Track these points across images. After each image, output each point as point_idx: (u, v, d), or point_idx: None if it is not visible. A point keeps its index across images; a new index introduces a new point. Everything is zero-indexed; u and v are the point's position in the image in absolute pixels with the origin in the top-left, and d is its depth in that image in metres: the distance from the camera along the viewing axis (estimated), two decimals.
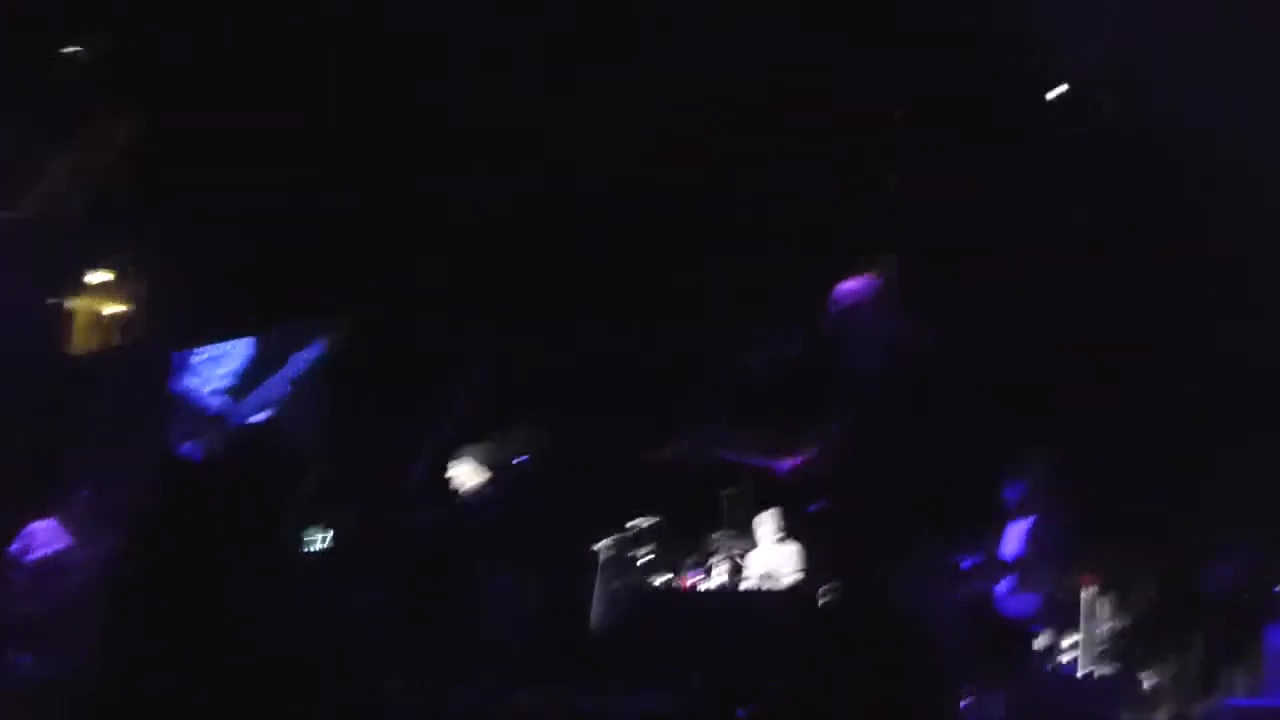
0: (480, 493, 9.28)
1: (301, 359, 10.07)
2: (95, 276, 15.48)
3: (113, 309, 15.85)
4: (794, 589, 9.46)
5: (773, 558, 10.41)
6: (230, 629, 4.26)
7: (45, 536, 11.08)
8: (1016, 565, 8.67)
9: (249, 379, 9.96)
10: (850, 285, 6.48)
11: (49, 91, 13.83)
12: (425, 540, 9.31)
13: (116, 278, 15.46)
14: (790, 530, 10.40)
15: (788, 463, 7.19)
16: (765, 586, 10.13)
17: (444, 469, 9.37)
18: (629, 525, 10.67)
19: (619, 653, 8.96)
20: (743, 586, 10.33)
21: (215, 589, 4.37)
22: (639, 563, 10.63)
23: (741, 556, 10.54)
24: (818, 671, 5.76)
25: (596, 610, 9.90)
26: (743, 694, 6.63)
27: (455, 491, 9.29)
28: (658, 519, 10.69)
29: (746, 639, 8.01)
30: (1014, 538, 8.82)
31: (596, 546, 10.65)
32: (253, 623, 4.36)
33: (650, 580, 10.54)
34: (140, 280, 15.18)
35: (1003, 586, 8.70)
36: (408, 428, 9.95)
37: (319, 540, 9.25)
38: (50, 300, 15.35)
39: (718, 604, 9.98)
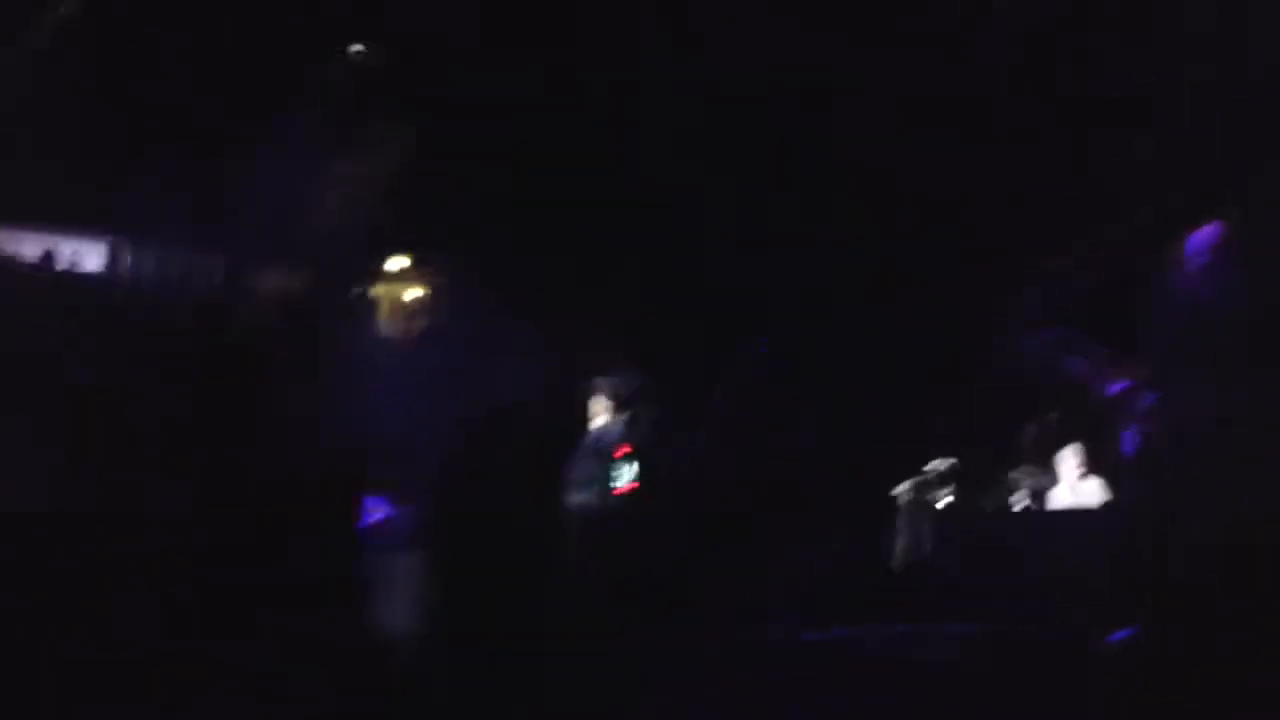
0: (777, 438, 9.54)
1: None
2: (394, 264, 16.45)
3: (412, 296, 16.78)
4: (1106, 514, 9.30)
5: (1076, 494, 10.30)
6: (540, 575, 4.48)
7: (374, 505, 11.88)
8: None
9: None
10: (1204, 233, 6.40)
11: (341, 94, 14.71)
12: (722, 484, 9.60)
13: (413, 266, 16.39)
14: (1092, 466, 10.26)
15: (1118, 385, 7.08)
16: None
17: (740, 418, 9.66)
18: (927, 468, 10.73)
19: (929, 585, 9.02)
20: None
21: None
22: (938, 504, 10.68)
23: (1043, 494, 10.45)
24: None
25: (900, 550, 10.02)
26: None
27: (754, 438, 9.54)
28: (954, 460, 10.72)
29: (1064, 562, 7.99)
30: None
31: (896, 490, 10.77)
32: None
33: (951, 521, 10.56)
34: (436, 270, 16.04)
35: None
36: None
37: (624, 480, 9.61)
38: (356, 289, 16.33)
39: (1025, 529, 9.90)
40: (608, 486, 9.54)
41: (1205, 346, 6.09)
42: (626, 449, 9.65)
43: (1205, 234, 6.41)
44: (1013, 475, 10.52)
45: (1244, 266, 6.25)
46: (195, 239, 14.46)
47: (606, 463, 9.66)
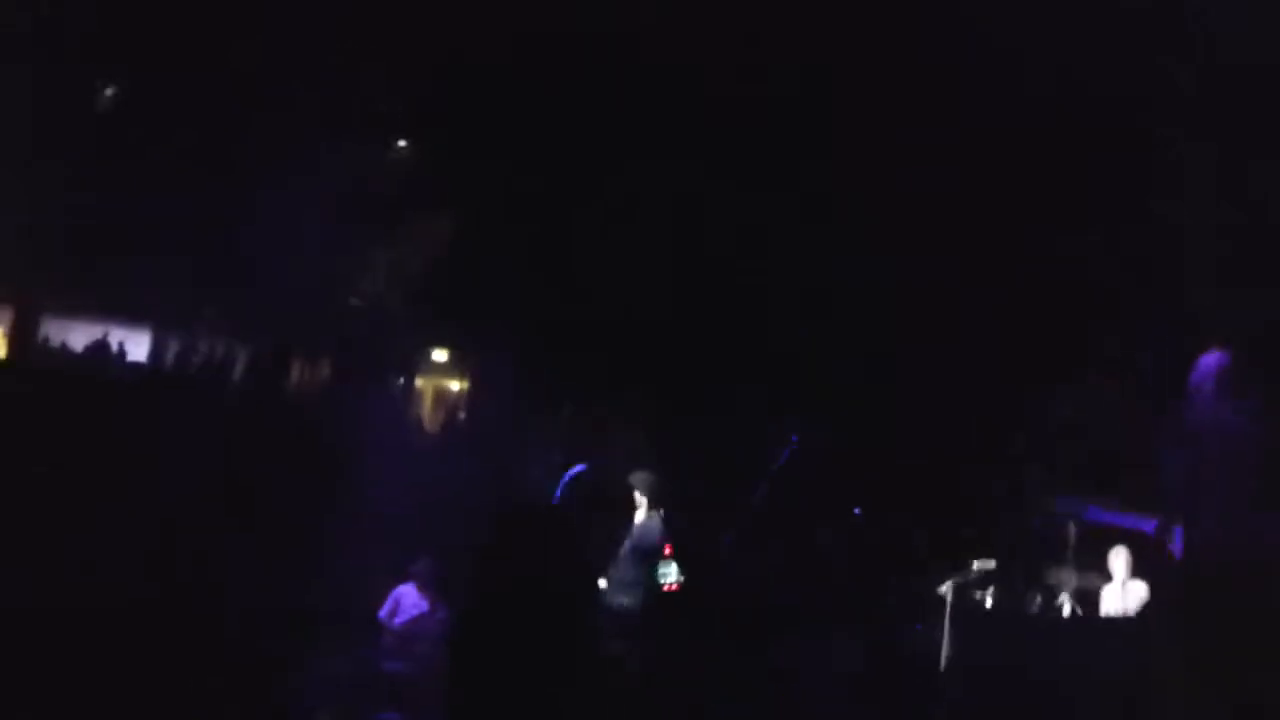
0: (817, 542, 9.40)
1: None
2: (436, 356, 16.55)
3: (452, 386, 16.84)
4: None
5: (1125, 594, 10.06)
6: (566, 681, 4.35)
7: (410, 600, 11.78)
8: None
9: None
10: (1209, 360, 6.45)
11: (376, 190, 14.92)
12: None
13: (452, 358, 16.46)
14: (1140, 569, 10.04)
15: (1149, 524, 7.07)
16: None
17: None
18: (972, 568, 10.53)
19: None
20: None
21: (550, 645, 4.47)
22: (982, 603, 10.47)
23: (1091, 594, 10.22)
24: None
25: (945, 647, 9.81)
26: None
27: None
28: (996, 561, 10.52)
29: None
30: None
31: (940, 589, 10.58)
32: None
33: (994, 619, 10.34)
34: (473, 360, 16.12)
35: None
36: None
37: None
38: (400, 379, 16.45)
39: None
40: (655, 585, 9.38)
41: (1214, 475, 6.12)
42: (670, 549, 9.52)
43: (1209, 363, 6.42)
44: (1057, 577, 10.29)
45: (1248, 393, 6.27)
46: (236, 327, 14.63)
47: (650, 562, 9.51)
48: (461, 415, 16.23)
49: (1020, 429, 11.08)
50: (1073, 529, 9.86)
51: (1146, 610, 8.85)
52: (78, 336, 16.62)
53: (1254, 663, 5.94)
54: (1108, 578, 10.24)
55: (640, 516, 9.74)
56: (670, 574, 9.35)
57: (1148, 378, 9.82)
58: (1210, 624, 6.04)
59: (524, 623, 4.56)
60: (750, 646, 8.95)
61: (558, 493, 9.36)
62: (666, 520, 9.66)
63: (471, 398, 16.04)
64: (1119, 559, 10.15)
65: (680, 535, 9.42)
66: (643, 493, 9.80)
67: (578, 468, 9.43)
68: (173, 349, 16.53)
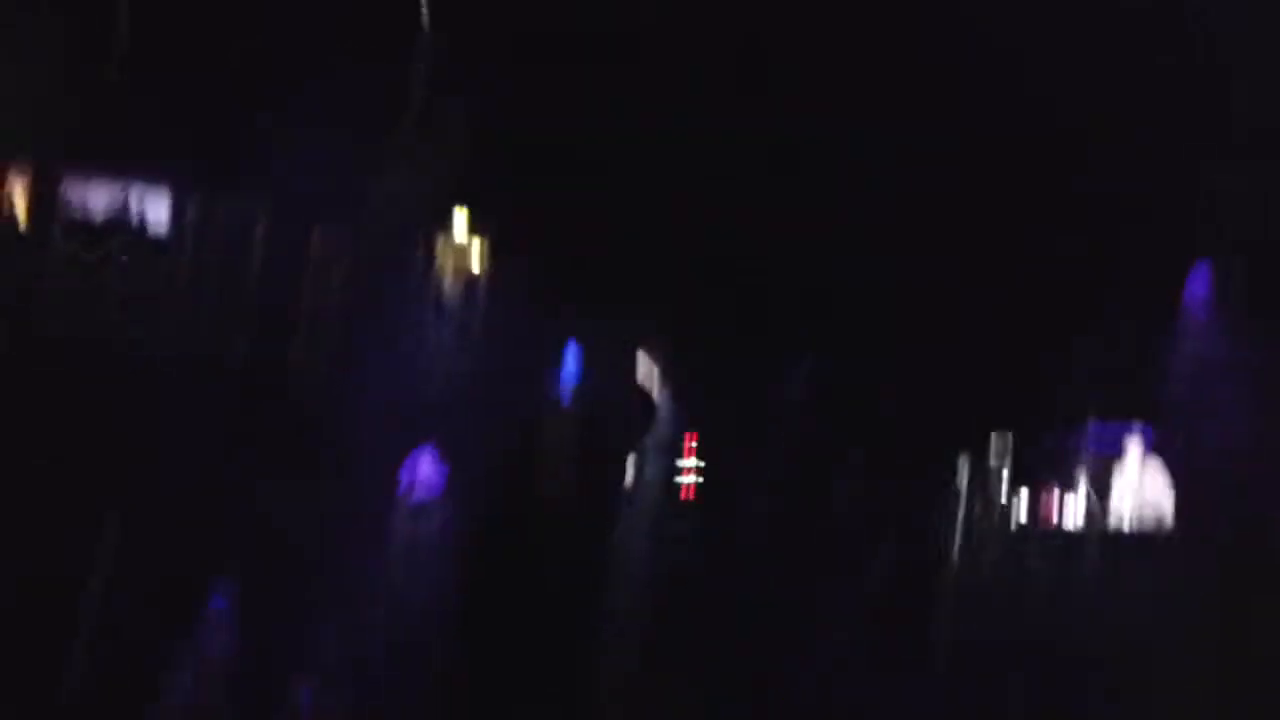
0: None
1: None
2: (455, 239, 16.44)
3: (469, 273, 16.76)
4: None
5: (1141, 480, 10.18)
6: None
7: (427, 467, 11.91)
8: None
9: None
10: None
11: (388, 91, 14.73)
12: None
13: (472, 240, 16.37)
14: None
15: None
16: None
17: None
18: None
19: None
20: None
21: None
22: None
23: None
24: None
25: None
26: None
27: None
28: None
29: None
30: None
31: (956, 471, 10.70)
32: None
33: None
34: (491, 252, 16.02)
35: None
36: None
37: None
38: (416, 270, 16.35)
39: None
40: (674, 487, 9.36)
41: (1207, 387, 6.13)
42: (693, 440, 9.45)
43: (1198, 278, 6.41)
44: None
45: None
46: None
47: (668, 458, 9.43)
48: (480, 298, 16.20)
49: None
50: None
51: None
52: (98, 197, 16.51)
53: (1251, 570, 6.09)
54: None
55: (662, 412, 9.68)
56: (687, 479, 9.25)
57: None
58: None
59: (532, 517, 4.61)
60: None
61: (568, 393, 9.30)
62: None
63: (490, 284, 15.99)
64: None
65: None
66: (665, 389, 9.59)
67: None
68: (191, 215, 16.43)
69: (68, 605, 8.43)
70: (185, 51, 13.17)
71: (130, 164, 14.55)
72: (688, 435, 9.54)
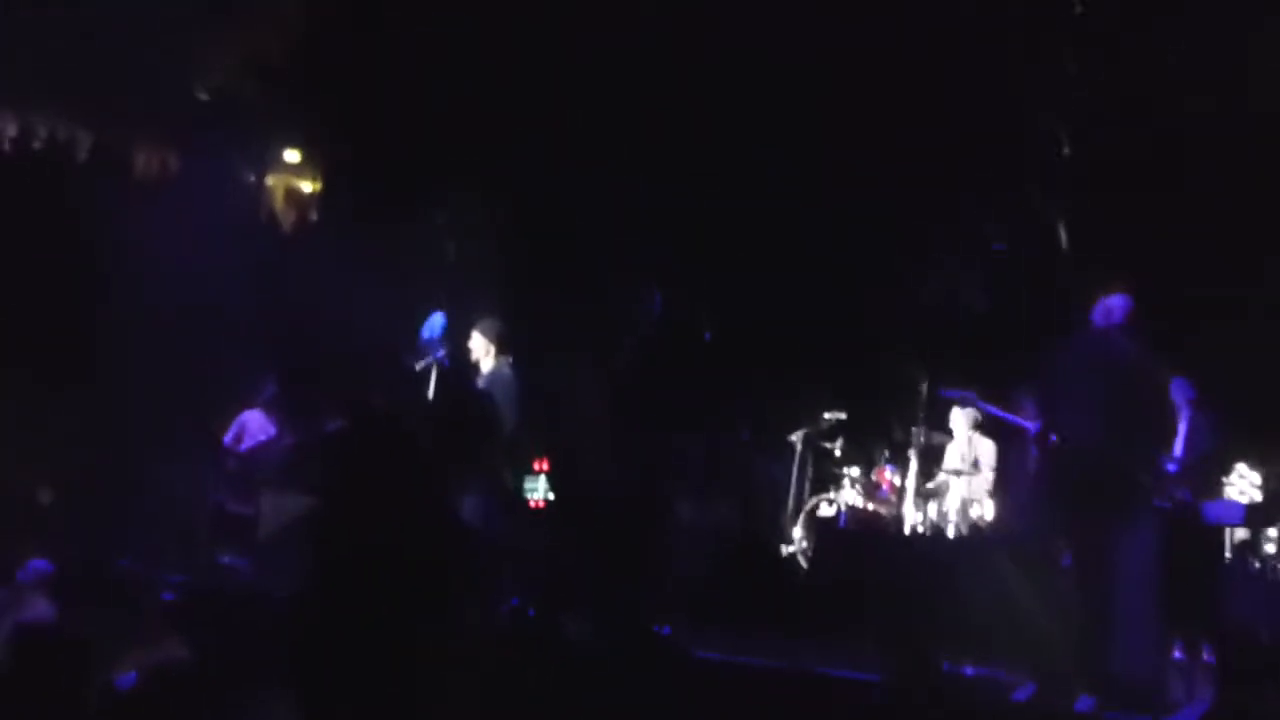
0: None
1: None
2: (288, 155, 15.82)
3: (306, 186, 16.18)
4: None
5: (972, 448, 10.28)
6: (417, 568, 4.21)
7: (255, 426, 11.54)
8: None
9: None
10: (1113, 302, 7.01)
11: None
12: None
13: (305, 158, 15.76)
14: (986, 425, 10.25)
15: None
16: (963, 476, 10.08)
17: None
18: (823, 417, 10.64)
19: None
20: (939, 476, 10.27)
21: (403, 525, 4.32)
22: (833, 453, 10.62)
23: (939, 449, 10.41)
24: None
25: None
26: None
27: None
28: (846, 414, 10.65)
29: None
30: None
31: (791, 437, 10.69)
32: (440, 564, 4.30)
33: (843, 470, 10.52)
34: (327, 161, 15.45)
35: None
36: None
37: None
38: (252, 177, 15.74)
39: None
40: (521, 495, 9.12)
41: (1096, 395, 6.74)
42: (543, 464, 9.20)
43: (1114, 303, 6.95)
44: (910, 430, 10.41)
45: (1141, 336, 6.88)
46: None
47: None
48: (314, 218, 15.68)
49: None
50: (923, 391, 9.96)
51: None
52: None
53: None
54: (949, 435, 10.48)
55: (487, 366, 9.05)
56: (537, 490, 9.03)
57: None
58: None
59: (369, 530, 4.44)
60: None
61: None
62: (515, 369, 9.19)
63: (324, 203, 15.44)
64: (960, 418, 10.38)
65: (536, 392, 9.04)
66: (489, 339, 9.27)
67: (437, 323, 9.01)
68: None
69: None
70: None
71: None
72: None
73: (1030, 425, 7.94)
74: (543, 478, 9.23)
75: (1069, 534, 6.95)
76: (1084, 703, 7.32)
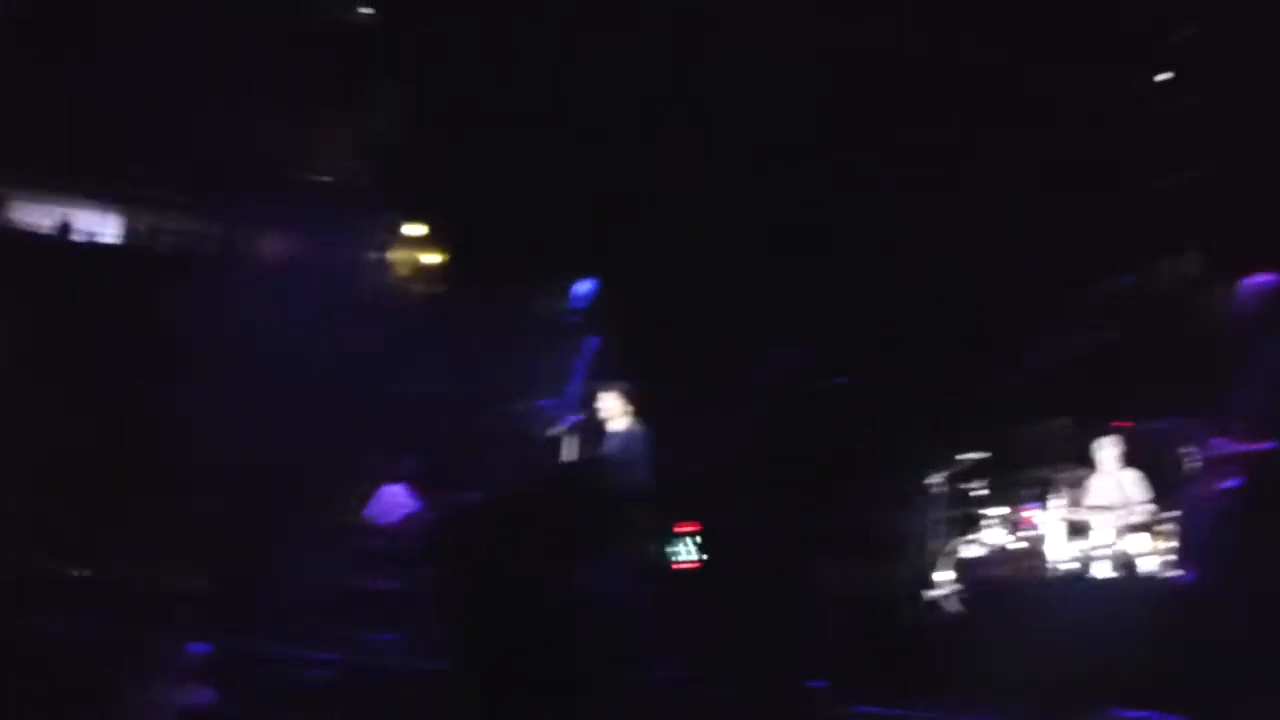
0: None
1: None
2: (406, 230, 16.12)
3: (425, 261, 16.44)
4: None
5: (1119, 483, 10.02)
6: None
7: (396, 501, 11.68)
8: None
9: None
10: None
11: (334, 62, 14.35)
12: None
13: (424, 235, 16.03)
14: (1131, 456, 9.99)
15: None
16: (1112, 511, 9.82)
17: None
18: (959, 459, 10.47)
19: None
20: (1081, 515, 10.01)
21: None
22: (972, 495, 10.43)
23: (1082, 483, 10.16)
24: None
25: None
26: None
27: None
28: (987, 454, 10.47)
29: None
30: None
31: (931, 480, 10.53)
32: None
33: (985, 512, 10.31)
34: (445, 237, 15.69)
35: None
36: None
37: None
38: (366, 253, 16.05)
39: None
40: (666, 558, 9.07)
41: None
42: (691, 527, 9.16)
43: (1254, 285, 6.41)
44: (1048, 470, 10.19)
45: None
46: None
47: (635, 470, 9.03)
48: (440, 288, 15.88)
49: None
50: (1065, 425, 9.77)
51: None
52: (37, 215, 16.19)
53: None
54: (1092, 468, 10.23)
55: (620, 427, 9.10)
56: (684, 553, 8.94)
57: None
58: None
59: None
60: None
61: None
62: (650, 428, 9.18)
63: (450, 272, 15.66)
64: (1107, 450, 10.11)
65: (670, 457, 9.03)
66: (622, 399, 9.10)
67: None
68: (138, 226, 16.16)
69: None
70: None
71: None
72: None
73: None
74: (688, 539, 9.14)
75: None
76: None
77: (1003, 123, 11.53)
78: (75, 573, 10.30)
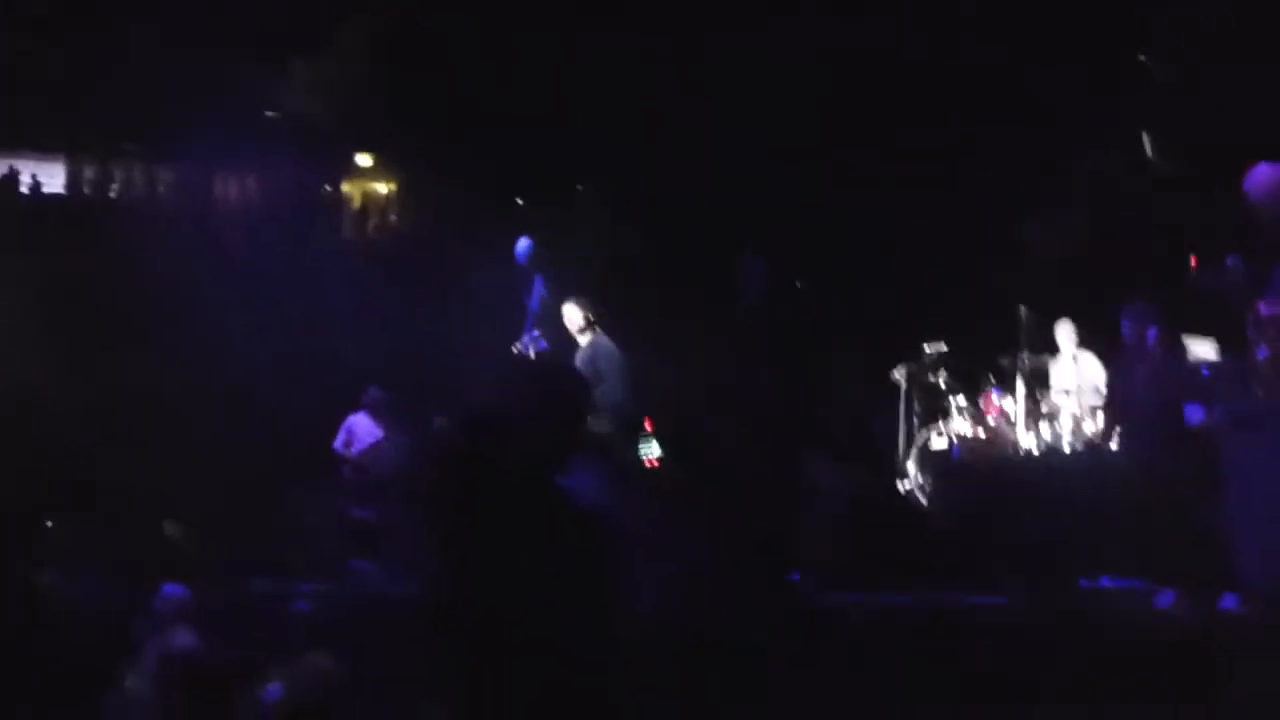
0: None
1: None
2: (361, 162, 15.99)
3: (379, 192, 16.36)
4: None
5: (1078, 365, 10.11)
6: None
7: (362, 429, 11.71)
8: None
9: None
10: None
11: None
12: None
13: (377, 165, 15.91)
14: (1086, 339, 10.08)
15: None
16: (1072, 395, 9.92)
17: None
18: (924, 350, 10.54)
19: None
20: (1050, 397, 10.11)
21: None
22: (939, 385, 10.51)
23: (1044, 371, 10.24)
24: None
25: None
26: None
27: None
28: (946, 345, 10.55)
29: None
30: None
31: (894, 373, 10.62)
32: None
33: (951, 401, 10.40)
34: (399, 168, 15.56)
35: None
36: None
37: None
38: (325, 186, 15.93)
39: None
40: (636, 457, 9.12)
41: None
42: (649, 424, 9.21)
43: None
44: (1015, 356, 10.25)
45: None
46: None
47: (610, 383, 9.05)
48: (393, 219, 15.85)
49: None
50: (1023, 311, 9.86)
51: None
52: None
53: None
54: (1052, 355, 10.32)
55: (584, 340, 9.08)
56: (651, 450, 9.00)
57: None
58: None
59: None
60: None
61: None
62: (615, 338, 9.20)
63: (403, 201, 15.59)
64: (1064, 332, 10.19)
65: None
66: (583, 312, 9.06)
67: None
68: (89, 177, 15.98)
69: None
70: None
71: None
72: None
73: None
74: (654, 438, 9.25)
75: None
76: (1229, 600, 7.23)
77: (1003, 123, 11.56)
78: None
